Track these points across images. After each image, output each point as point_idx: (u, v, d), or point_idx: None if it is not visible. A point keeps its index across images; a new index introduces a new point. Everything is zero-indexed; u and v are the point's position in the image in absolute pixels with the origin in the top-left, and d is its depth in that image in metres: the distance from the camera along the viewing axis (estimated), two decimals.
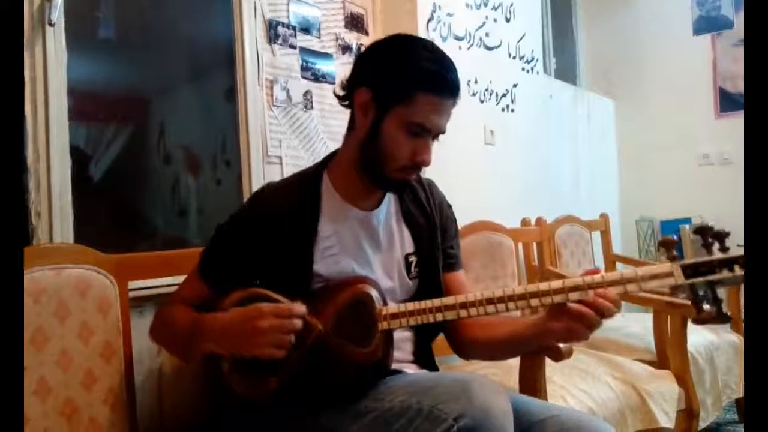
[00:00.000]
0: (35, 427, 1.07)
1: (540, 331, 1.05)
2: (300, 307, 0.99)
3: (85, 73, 1.57)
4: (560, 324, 1.00)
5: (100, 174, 2.04)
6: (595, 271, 0.99)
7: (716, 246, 0.96)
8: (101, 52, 1.91)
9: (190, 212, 2.27)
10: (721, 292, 2.51)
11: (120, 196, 2.03)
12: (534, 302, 0.97)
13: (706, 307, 0.98)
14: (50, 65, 1.39)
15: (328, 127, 2.05)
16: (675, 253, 0.98)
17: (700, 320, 0.98)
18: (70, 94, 1.46)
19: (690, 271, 0.95)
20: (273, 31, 1.91)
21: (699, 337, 2.20)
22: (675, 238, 1.02)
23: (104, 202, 1.95)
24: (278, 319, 0.96)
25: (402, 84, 1.04)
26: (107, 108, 1.95)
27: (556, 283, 0.97)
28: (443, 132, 1.09)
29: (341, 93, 1.14)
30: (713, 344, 2.24)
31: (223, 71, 1.96)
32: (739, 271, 0.94)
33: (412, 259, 1.19)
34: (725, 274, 0.94)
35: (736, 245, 0.94)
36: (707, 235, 0.96)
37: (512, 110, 2.83)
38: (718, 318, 0.97)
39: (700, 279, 0.95)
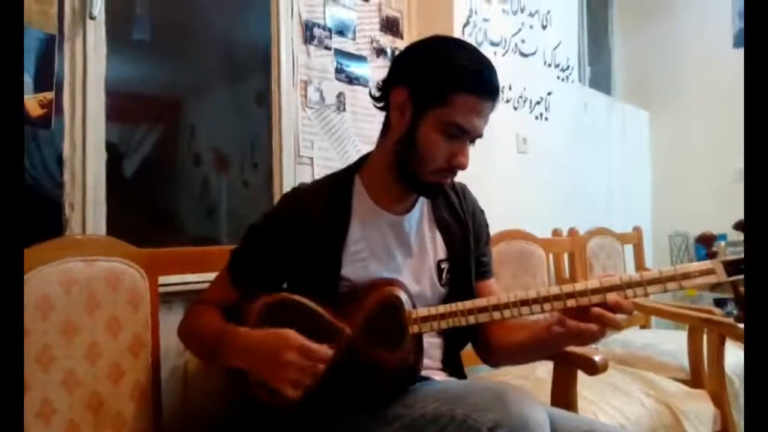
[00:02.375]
0: (62, 419, 1.06)
1: (549, 337, 1.01)
2: (327, 352, 0.95)
3: (120, 72, 1.59)
4: (564, 332, 0.96)
5: (131, 172, 2.06)
6: (610, 275, 0.95)
7: None
8: (136, 52, 1.93)
9: (217, 212, 2.28)
10: None
11: (150, 194, 2.05)
12: (570, 303, 0.93)
13: None
14: (90, 58, 1.40)
15: (360, 129, 2.04)
16: (715, 249, 0.94)
17: (744, 319, 0.93)
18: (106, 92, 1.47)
19: (732, 268, 0.91)
20: (309, 32, 1.91)
21: (734, 357, 2.12)
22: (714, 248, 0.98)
23: (135, 199, 1.97)
24: (302, 359, 0.93)
25: (441, 84, 1.01)
26: (139, 107, 1.97)
27: (593, 283, 0.93)
28: (481, 135, 1.06)
29: (377, 94, 1.12)
30: None
31: (256, 75, 1.97)
32: None
33: (444, 265, 1.16)
34: None
35: None
36: None
37: (546, 119, 2.79)
38: None
39: (743, 276, 0.90)
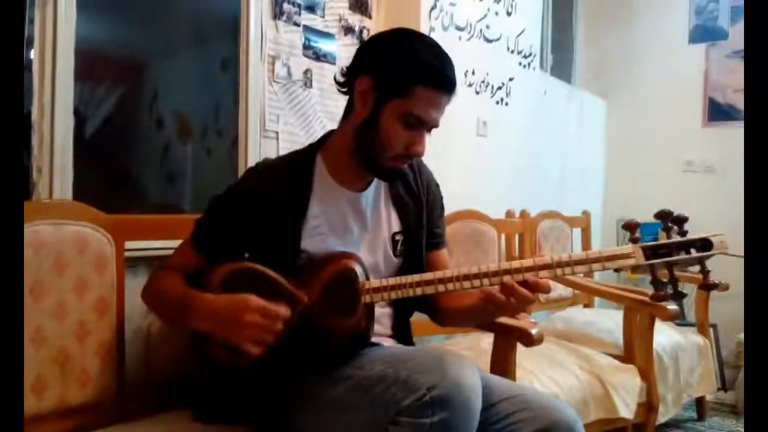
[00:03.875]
0: (29, 373, 1.12)
1: (487, 305, 1.10)
2: (285, 311, 1.02)
3: (86, 32, 1.60)
4: (497, 303, 1.06)
5: (92, 134, 2.06)
6: (542, 256, 1.06)
7: (675, 230, 1.04)
8: (103, 11, 1.92)
9: (179, 179, 2.29)
10: (690, 298, 2.59)
11: (112, 158, 2.06)
12: (506, 279, 1.04)
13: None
14: (60, 22, 1.41)
15: (325, 106, 2.09)
16: (638, 235, 1.06)
17: (658, 297, 1.06)
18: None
19: (650, 252, 1.02)
20: (278, 8, 1.94)
21: (665, 336, 2.30)
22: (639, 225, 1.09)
23: (97, 163, 1.97)
24: (262, 319, 1.00)
25: (403, 77, 1.09)
26: (103, 68, 1.97)
27: (527, 262, 1.04)
28: (437, 126, 1.15)
29: (342, 79, 1.18)
30: (679, 345, 2.34)
31: (223, 41, 1.98)
32: (695, 253, 1.02)
33: (399, 237, 1.25)
34: (683, 256, 1.02)
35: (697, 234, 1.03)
36: (667, 219, 1.03)
37: (506, 104, 2.88)
38: (675, 296, 1.06)
39: (660, 260, 1.02)
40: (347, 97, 1.20)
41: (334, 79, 1.21)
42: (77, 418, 1.18)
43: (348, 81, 1.17)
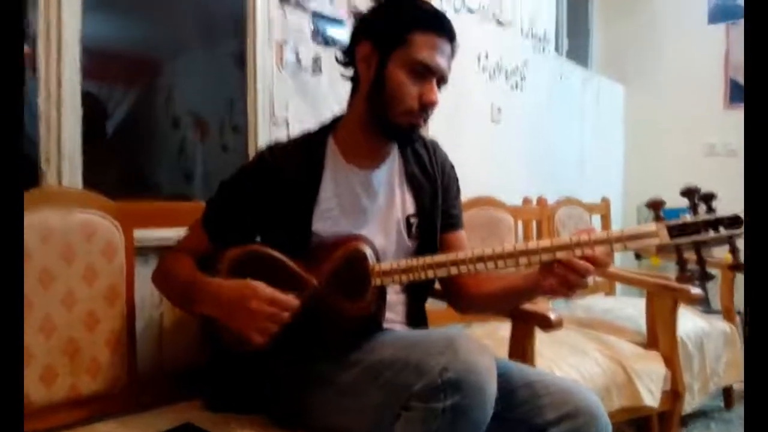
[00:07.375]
0: (39, 363, 1.11)
1: (531, 285, 1.07)
2: (294, 302, 1.00)
3: (96, 31, 1.58)
4: (548, 281, 1.01)
5: (109, 133, 2.06)
6: (589, 231, 1.00)
7: (703, 208, 0.99)
8: (112, 10, 1.92)
9: (196, 176, 2.29)
10: (715, 286, 2.49)
11: (127, 156, 2.06)
12: (522, 260, 1.00)
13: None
14: (64, 13, 1.40)
15: (336, 93, 2.06)
16: (662, 214, 1.01)
17: (685, 279, 1.00)
18: (82, 51, 1.47)
19: (675, 231, 0.97)
20: None
21: (690, 323, 2.23)
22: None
23: (112, 161, 1.97)
24: (269, 307, 0.98)
25: (399, 26, 1.08)
26: (116, 68, 1.96)
27: (544, 242, 1.00)
28: (446, 78, 1.12)
29: (344, 58, 1.17)
30: (704, 331, 2.27)
31: (234, 36, 1.97)
32: (723, 231, 0.96)
33: (413, 220, 1.21)
34: (710, 234, 0.96)
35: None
36: (694, 196, 0.98)
37: (521, 89, 2.83)
38: (702, 276, 1.00)
39: (685, 239, 0.96)
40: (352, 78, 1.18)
41: (336, 58, 1.18)
42: (88, 408, 1.17)
43: (349, 55, 1.15)
